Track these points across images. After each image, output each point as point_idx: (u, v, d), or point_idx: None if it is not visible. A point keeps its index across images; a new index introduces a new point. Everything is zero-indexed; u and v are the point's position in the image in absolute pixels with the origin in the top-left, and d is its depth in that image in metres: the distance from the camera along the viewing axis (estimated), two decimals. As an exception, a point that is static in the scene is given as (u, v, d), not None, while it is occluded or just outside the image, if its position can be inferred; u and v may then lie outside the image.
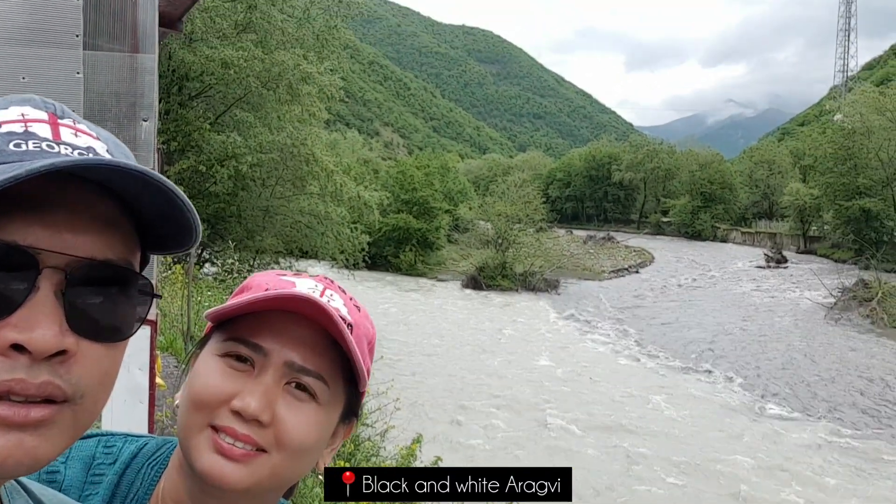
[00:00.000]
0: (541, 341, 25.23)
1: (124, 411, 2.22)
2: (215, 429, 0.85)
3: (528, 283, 39.24)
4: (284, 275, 0.96)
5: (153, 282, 2.41)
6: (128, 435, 0.98)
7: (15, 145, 0.61)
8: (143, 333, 2.26)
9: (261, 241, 22.37)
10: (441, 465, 6.22)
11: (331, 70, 24.21)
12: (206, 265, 21.73)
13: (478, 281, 39.13)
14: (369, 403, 6.12)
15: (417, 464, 6.89)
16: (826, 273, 39.14)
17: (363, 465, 5.11)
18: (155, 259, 2.63)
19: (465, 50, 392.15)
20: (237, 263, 17.76)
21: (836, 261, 48.57)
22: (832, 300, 32.62)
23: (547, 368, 20.96)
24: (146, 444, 0.97)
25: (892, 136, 45.38)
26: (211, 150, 20.43)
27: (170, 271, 12.84)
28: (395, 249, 44.70)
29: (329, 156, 24.73)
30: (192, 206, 0.68)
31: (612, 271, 48.73)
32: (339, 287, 0.97)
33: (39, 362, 0.58)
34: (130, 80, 2.15)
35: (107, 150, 0.67)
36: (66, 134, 0.64)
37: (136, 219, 0.69)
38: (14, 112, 0.65)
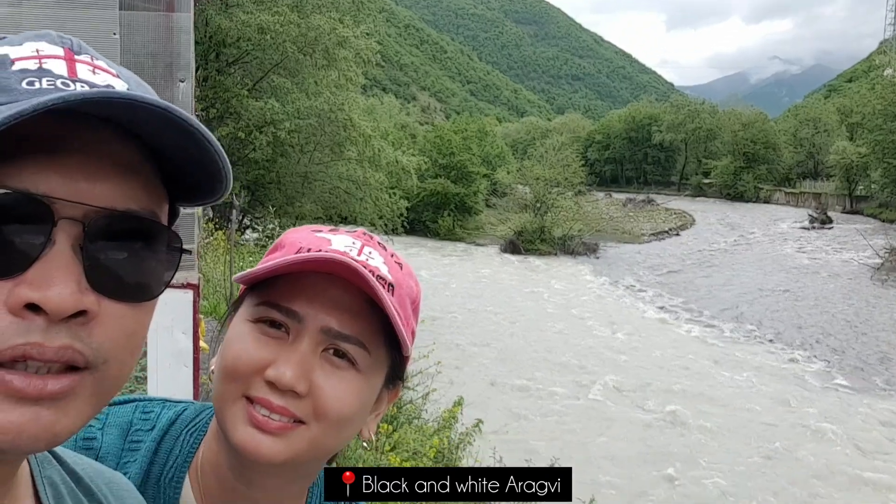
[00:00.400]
0: (580, 305, 25.10)
1: (169, 375, 2.24)
2: (250, 399, 0.80)
3: (567, 247, 38.96)
4: (320, 230, 0.89)
5: (194, 245, 2.39)
6: (166, 400, 0.95)
7: (28, 83, 0.54)
8: (186, 297, 2.27)
9: (300, 208, 22.55)
10: (482, 427, 6.26)
11: (366, 34, 24.02)
12: (248, 231, 22.03)
13: (516, 245, 38.97)
14: (410, 366, 6.15)
15: (458, 427, 6.93)
16: (872, 233, 38.08)
17: (405, 426, 5.16)
18: (197, 224, 2.63)
19: (502, 11, 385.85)
20: (278, 229, 17.93)
21: (883, 221, 47.24)
22: (879, 261, 31.75)
23: (587, 331, 20.87)
24: (185, 409, 0.93)
25: (947, 90, 43.68)
26: (249, 116, 20.55)
27: (212, 237, 13.03)
28: (433, 214, 44.69)
29: (366, 121, 24.71)
30: (221, 147, 0.60)
31: (652, 234, 48.08)
32: (380, 242, 0.90)
33: (57, 324, 0.52)
34: (166, 39, 2.12)
35: (128, 89, 0.59)
36: (83, 70, 0.58)
37: (160, 166, 0.62)
38: (28, 48, 0.58)
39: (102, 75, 0.58)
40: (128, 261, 0.57)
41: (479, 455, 6.18)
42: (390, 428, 4.70)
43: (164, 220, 0.63)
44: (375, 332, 0.83)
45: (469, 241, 43.15)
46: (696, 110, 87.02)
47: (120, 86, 0.58)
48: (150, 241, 0.59)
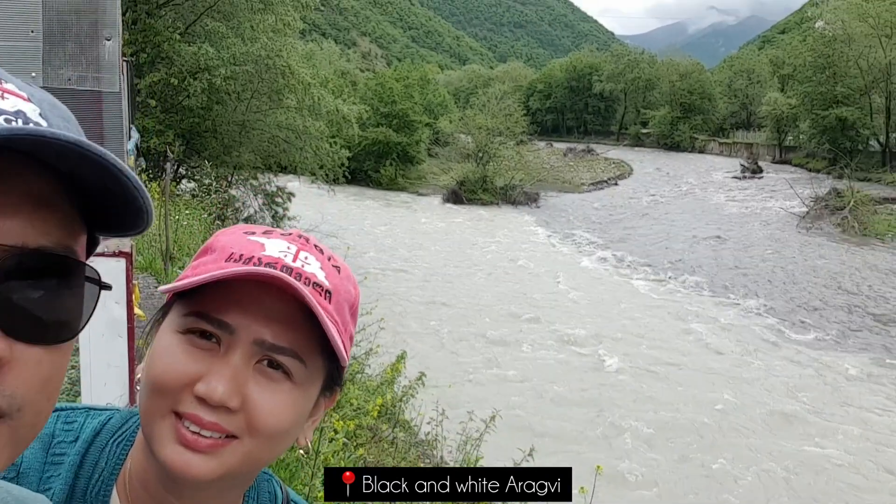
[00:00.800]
0: (523, 255, 25.44)
1: (103, 346, 2.18)
2: (179, 415, 0.76)
3: (509, 196, 39.26)
4: (252, 233, 0.84)
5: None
6: (90, 408, 0.90)
7: None
8: (119, 265, 2.19)
9: (238, 157, 21.97)
10: (425, 381, 6.34)
11: (304, -25, 23.20)
12: (183, 181, 21.40)
13: (459, 195, 39.05)
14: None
15: (401, 379, 7.00)
16: (800, 183, 39.46)
17: (348, 385, 5.17)
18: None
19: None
20: (214, 183, 17.45)
21: (810, 170, 48.96)
22: (805, 209, 33.05)
23: (529, 281, 21.22)
24: (110, 418, 0.88)
25: (873, 43, 45.01)
26: (182, 61, 19.74)
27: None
28: (375, 164, 44.27)
29: (306, 68, 24.03)
30: (141, 183, 0.56)
31: (592, 184, 48.77)
32: (316, 245, 0.85)
33: None
34: (90, -5, 2.00)
35: (40, 114, 0.55)
36: None
37: (77, 195, 0.57)
38: None
39: (12, 99, 0.54)
40: (42, 300, 0.53)
41: (422, 408, 6.28)
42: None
43: (82, 254, 0.59)
44: (311, 342, 0.80)
45: (411, 190, 43.01)
46: (636, 60, 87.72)
47: (31, 111, 0.54)
48: (66, 278, 0.55)
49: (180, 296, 0.80)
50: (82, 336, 2.26)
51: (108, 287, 0.60)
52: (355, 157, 35.67)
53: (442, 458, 6.24)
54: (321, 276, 0.81)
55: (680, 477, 9.67)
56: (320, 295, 0.78)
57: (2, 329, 0.50)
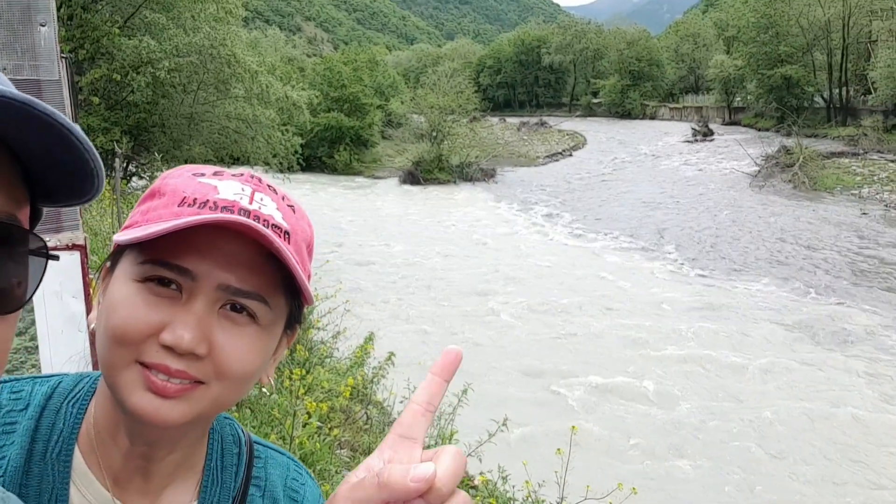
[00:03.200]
0: (482, 230, 25.53)
1: (62, 342, 2.13)
2: (144, 364, 0.75)
3: (466, 174, 39.26)
4: (202, 174, 0.82)
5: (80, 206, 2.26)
6: (36, 377, 0.89)
7: None
8: (73, 259, 2.13)
9: (188, 151, 21.53)
10: (395, 360, 6.34)
11: (242, -38, 22.73)
12: (133, 179, 20.94)
13: (415, 176, 38.92)
14: (319, 307, 6.11)
15: (371, 361, 7.00)
16: (750, 142, 40.25)
17: (317, 368, 5.15)
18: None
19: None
20: (165, 176, 17.04)
21: (759, 130, 49.99)
22: (756, 168, 33.75)
23: (489, 256, 21.31)
24: (60, 382, 0.88)
25: (811, 1, 45.90)
26: (123, 56, 19.21)
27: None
28: (328, 149, 43.82)
29: (251, 56, 23.62)
30: (92, 145, 0.53)
31: (547, 156, 49.02)
32: (269, 185, 0.83)
33: None
34: (20, -21, 1.92)
35: None
36: None
37: (19, 164, 0.54)
38: None
39: None
40: None
41: (393, 388, 6.29)
42: (303, 371, 4.68)
43: (26, 224, 0.56)
44: (274, 284, 0.79)
45: (367, 174, 42.71)
46: (583, 30, 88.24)
47: None
48: (11, 247, 0.52)
49: (133, 244, 0.78)
50: (41, 332, 2.20)
51: (55, 257, 0.57)
52: (308, 144, 35.31)
53: (417, 435, 6.26)
54: (278, 218, 0.80)
55: (652, 431, 9.88)
56: (280, 236, 0.77)
57: None
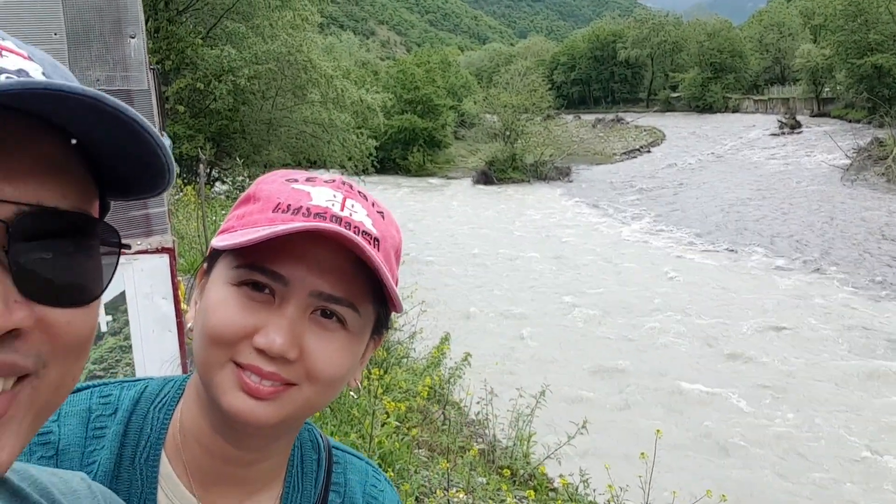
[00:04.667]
0: (557, 231, 25.26)
1: (154, 341, 2.20)
2: (238, 364, 0.78)
3: (540, 172, 38.97)
4: (296, 180, 0.84)
5: (165, 208, 2.31)
6: (123, 381, 0.91)
7: None
8: (163, 262, 2.21)
9: (268, 155, 22.18)
10: (471, 361, 6.34)
11: (318, -31, 23.25)
12: (217, 184, 21.69)
13: (489, 175, 38.87)
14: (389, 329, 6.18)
15: (447, 361, 7.01)
16: (840, 134, 38.44)
17: (395, 368, 5.19)
18: (167, 193, 2.55)
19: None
20: (248, 180, 17.63)
21: (850, 121, 47.66)
22: (847, 161, 32.18)
23: (566, 256, 21.05)
24: (146, 387, 0.90)
25: (901, -14, 43.57)
26: (206, 65, 19.95)
27: (181, 193, 12.81)
28: (402, 151, 44.30)
29: (327, 61, 24.14)
30: (162, 140, 0.53)
31: (624, 153, 48.12)
32: (360, 192, 0.85)
33: None
34: (111, -7, 2.00)
35: (42, 73, 0.51)
36: None
37: (88, 159, 0.54)
38: None
39: (12, 58, 0.50)
40: (60, 262, 0.51)
41: (470, 388, 6.28)
42: (381, 371, 4.73)
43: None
44: (364, 291, 0.80)
45: (441, 175, 42.94)
46: (661, 23, 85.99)
47: (33, 69, 0.51)
48: (84, 239, 0.53)
49: (225, 249, 0.80)
50: (134, 334, 2.29)
51: (127, 247, 0.57)
52: (382, 146, 35.77)
53: (494, 436, 6.25)
54: (368, 224, 0.81)
55: (739, 438, 9.54)
56: (370, 244, 0.78)
57: (22, 293, 0.48)
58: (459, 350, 6.99)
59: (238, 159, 19.26)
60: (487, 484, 4.57)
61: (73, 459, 0.82)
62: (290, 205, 0.79)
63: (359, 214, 0.81)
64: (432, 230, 25.56)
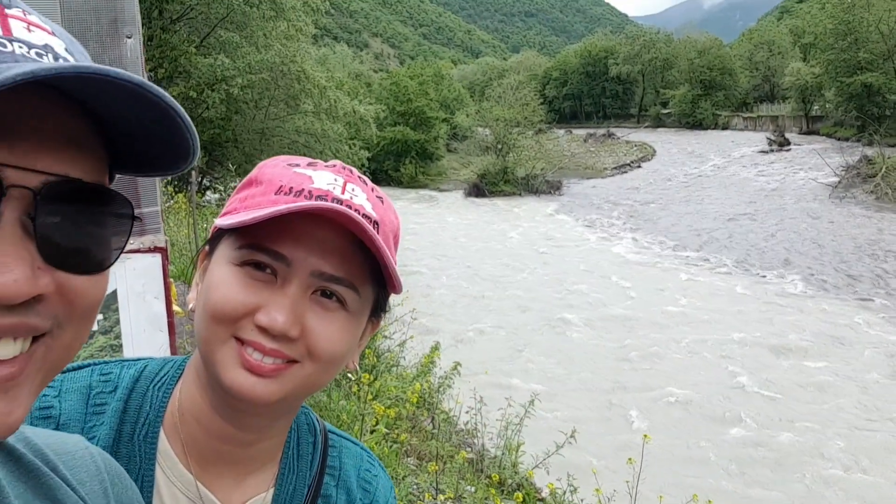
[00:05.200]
0: (548, 244, 25.33)
1: (145, 340, 2.21)
2: (240, 340, 0.79)
3: (531, 186, 39.10)
4: (297, 164, 0.86)
5: (158, 208, 2.32)
6: (123, 360, 0.93)
7: None
8: (155, 261, 2.21)
9: (260, 165, 22.18)
10: (460, 370, 6.35)
11: (313, -20, 23.36)
12: (208, 192, 21.64)
13: (480, 188, 38.98)
14: (386, 316, 6.19)
15: (437, 370, 7.01)
16: (829, 152, 38.77)
17: (385, 375, 5.20)
18: (158, 188, 2.56)
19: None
20: (239, 189, 17.56)
21: (839, 139, 48.13)
22: (836, 179, 32.45)
23: (556, 270, 21.11)
24: (146, 366, 0.91)
25: (891, 6, 44.07)
26: (199, 74, 19.96)
27: (172, 201, 12.79)
28: (394, 163, 44.39)
29: (320, 72, 24.23)
30: (192, 124, 0.56)
31: (614, 168, 48.38)
32: (359, 177, 0.87)
33: (9, 306, 0.48)
34: (108, -6, 2.02)
35: (65, 49, 0.53)
36: (17, 28, 0.51)
37: (104, 136, 0.56)
38: None
39: (38, 33, 0.52)
40: (80, 231, 0.54)
41: (459, 397, 6.28)
42: (371, 377, 4.73)
43: None
44: (364, 272, 0.82)
45: (433, 187, 43.03)
46: (652, 40, 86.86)
47: (58, 45, 0.53)
48: (103, 209, 0.56)
49: (232, 228, 0.82)
50: (125, 333, 2.29)
51: (139, 219, 0.60)
52: (375, 158, 35.91)
53: (483, 445, 6.24)
54: (368, 208, 0.83)
55: (727, 450, 9.56)
56: (370, 226, 0.79)
57: (45, 259, 0.51)
58: (449, 360, 7.00)
59: (231, 167, 19.23)
60: (476, 492, 4.57)
61: (73, 434, 0.82)
62: (292, 187, 0.81)
63: (359, 198, 0.83)
64: (424, 241, 25.59)
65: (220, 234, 0.85)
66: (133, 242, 2.23)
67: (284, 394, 0.80)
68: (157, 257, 2.21)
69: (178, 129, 0.56)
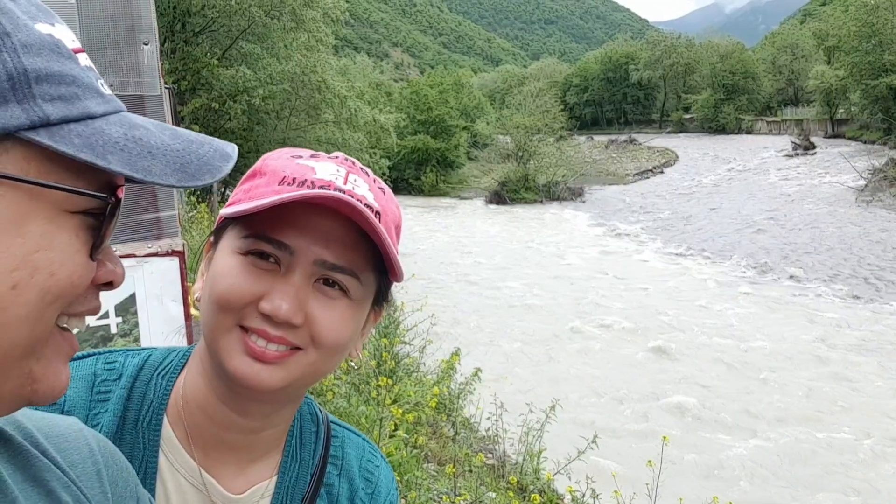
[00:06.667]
0: (569, 250, 25.22)
1: (163, 343, 2.23)
2: (245, 328, 0.81)
3: (552, 193, 39.00)
4: (300, 156, 0.88)
5: (175, 211, 2.35)
6: (127, 350, 0.94)
7: (100, 84, 0.54)
8: (173, 264, 2.24)
9: (281, 175, 22.37)
10: (481, 376, 6.33)
11: (333, -8, 23.56)
12: (230, 203, 21.86)
13: (501, 196, 38.95)
14: (406, 320, 6.18)
15: (457, 377, 6.99)
16: (855, 155, 38.26)
17: (404, 380, 5.20)
18: (175, 193, 2.59)
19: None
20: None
21: (865, 142, 47.47)
22: (862, 182, 31.99)
23: (578, 276, 21.00)
24: (150, 355, 0.93)
25: (916, 7, 43.52)
26: (221, 86, 20.21)
27: (195, 210, 12.92)
28: (415, 171, 44.51)
29: (341, 82, 24.39)
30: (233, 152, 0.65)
31: (637, 174, 48.13)
32: (361, 168, 0.89)
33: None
34: (125, 1, 2.05)
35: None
36: (82, 58, 0.55)
37: None
38: (66, 33, 0.54)
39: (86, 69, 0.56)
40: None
41: (480, 403, 6.26)
42: (390, 381, 4.73)
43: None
44: (366, 261, 0.84)
45: (454, 195, 43.07)
46: (673, 45, 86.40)
47: (83, 59, 0.56)
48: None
49: (236, 219, 0.84)
50: (143, 336, 2.31)
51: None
52: (395, 167, 36.05)
53: (504, 451, 6.21)
54: (370, 198, 0.84)
55: (750, 458, 9.43)
56: (372, 215, 0.81)
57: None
58: (469, 366, 6.98)
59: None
60: (497, 498, 4.55)
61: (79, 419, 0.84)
62: (295, 178, 0.83)
63: (361, 188, 0.84)
64: (445, 248, 25.60)
65: (225, 224, 0.87)
66: (151, 246, 2.26)
67: (289, 381, 0.82)
68: (175, 261, 2.23)
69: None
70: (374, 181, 0.89)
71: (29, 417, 0.69)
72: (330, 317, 0.82)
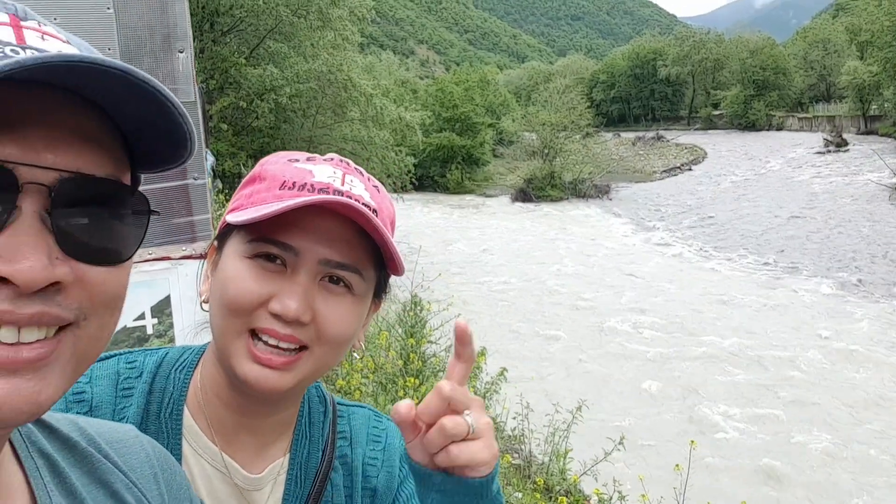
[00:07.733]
0: (595, 248, 25.08)
1: (196, 343, 2.27)
2: (254, 332, 0.85)
3: (579, 190, 38.76)
4: (296, 160, 0.93)
5: (209, 216, 2.39)
6: (145, 350, 1.01)
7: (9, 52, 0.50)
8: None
9: (308, 172, 22.52)
10: (507, 375, 6.33)
11: (359, -10, 23.64)
12: (258, 201, 22.06)
13: (527, 193, 38.80)
14: (432, 320, 6.21)
15: (483, 376, 7.00)
16: (889, 152, 37.53)
17: (430, 379, 5.22)
18: (209, 194, 2.63)
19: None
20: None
21: (899, 139, 46.59)
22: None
23: (604, 274, 20.88)
24: (167, 353, 1.00)
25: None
26: (249, 84, 20.41)
27: (223, 209, 13.06)
28: (441, 169, 44.48)
29: (366, 79, 24.46)
30: (185, 111, 0.58)
31: (664, 171, 47.68)
32: (356, 168, 0.94)
33: (30, 294, 0.51)
34: (161, 11, 2.09)
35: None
36: (31, 37, 0.54)
37: (120, 134, 0.60)
38: None
39: (52, 41, 0.55)
40: (97, 225, 0.56)
41: (506, 402, 6.27)
42: (417, 381, 4.76)
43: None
44: (367, 257, 0.89)
45: (479, 192, 42.99)
46: (702, 41, 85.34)
47: (71, 52, 0.54)
48: (118, 205, 0.58)
49: (241, 225, 0.88)
50: (178, 337, 2.36)
51: (156, 213, 0.62)
52: (421, 164, 36.03)
53: (530, 451, 6.21)
54: (367, 197, 0.90)
55: (778, 457, 9.32)
56: (371, 214, 0.86)
57: (64, 251, 0.53)
58: (495, 365, 6.98)
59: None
60: (523, 498, 4.55)
61: (105, 415, 0.91)
62: (295, 182, 0.87)
63: (357, 188, 0.90)
64: (471, 246, 25.59)
65: (229, 229, 0.91)
66: (185, 249, 2.31)
67: (296, 382, 0.88)
68: (205, 263, 2.28)
69: (171, 114, 0.57)
70: (369, 180, 0.95)
71: (91, 424, 0.74)
72: (336, 313, 0.87)
